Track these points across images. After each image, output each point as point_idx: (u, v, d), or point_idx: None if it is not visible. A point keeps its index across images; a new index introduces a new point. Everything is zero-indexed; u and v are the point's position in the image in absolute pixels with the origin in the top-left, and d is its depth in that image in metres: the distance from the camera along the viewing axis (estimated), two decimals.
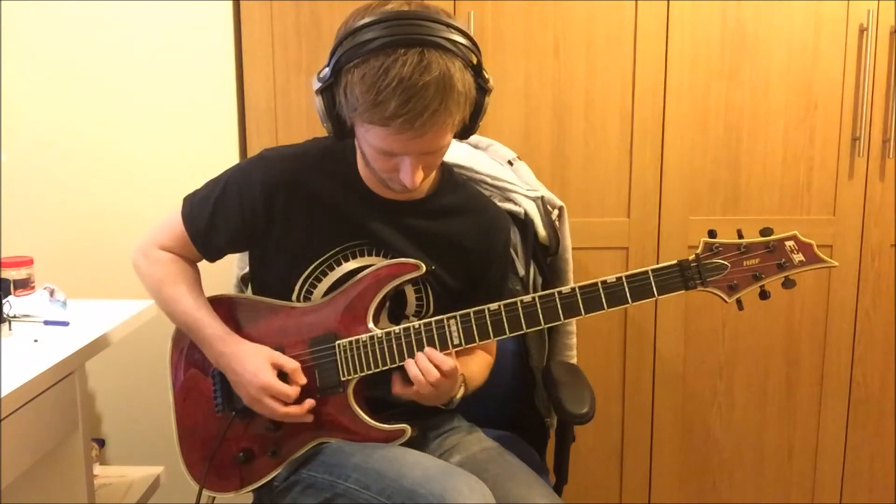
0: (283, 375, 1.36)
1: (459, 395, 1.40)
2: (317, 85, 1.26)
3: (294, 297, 1.43)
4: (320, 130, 1.35)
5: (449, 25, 1.19)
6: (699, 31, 2.06)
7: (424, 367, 1.30)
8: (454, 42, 1.19)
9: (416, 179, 1.26)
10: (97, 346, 1.61)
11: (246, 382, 1.35)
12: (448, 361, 1.30)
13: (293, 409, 1.35)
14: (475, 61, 1.23)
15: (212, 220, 1.42)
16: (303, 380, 1.36)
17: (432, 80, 1.15)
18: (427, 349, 1.32)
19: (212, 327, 1.40)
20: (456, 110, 1.21)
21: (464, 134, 1.31)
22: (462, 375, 1.39)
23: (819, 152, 2.12)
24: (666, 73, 2.08)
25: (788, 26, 2.06)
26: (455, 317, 1.32)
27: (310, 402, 1.36)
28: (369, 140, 1.25)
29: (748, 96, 2.09)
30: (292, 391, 1.34)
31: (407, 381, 1.34)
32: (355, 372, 1.36)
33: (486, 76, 1.26)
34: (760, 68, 2.08)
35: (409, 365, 1.32)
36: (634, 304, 1.29)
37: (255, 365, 1.35)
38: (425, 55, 1.16)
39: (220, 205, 1.42)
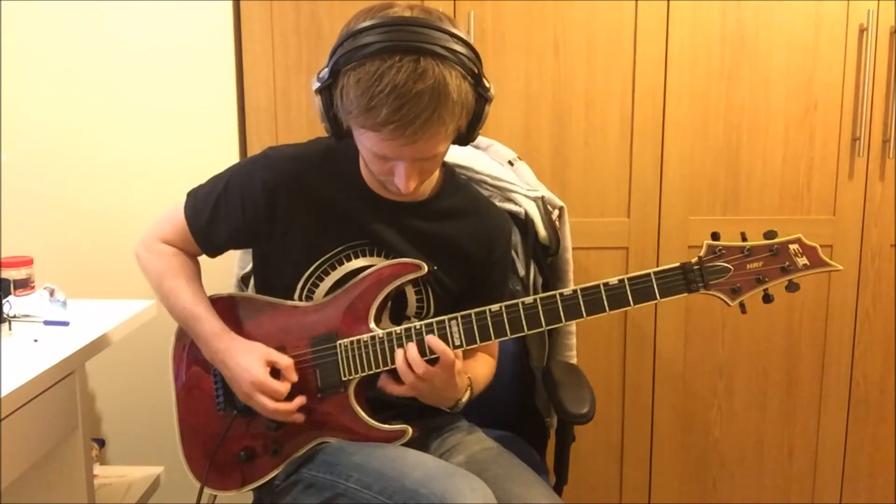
0: (278, 373, 1.36)
1: (465, 398, 1.40)
2: (316, 85, 1.26)
3: (296, 296, 1.43)
4: (321, 130, 1.35)
5: (449, 33, 1.18)
6: (699, 31, 2.06)
7: (412, 356, 1.29)
8: (452, 50, 1.18)
9: (409, 185, 1.26)
10: (97, 346, 1.61)
11: (239, 378, 1.35)
12: (447, 352, 1.28)
13: (282, 406, 1.34)
14: (475, 70, 1.22)
15: (213, 217, 1.43)
16: (294, 377, 1.36)
17: (426, 89, 1.15)
18: (427, 337, 1.30)
19: (209, 323, 1.40)
20: (450, 119, 1.20)
21: (461, 141, 1.30)
22: (468, 378, 1.39)
23: (819, 152, 2.12)
24: (666, 73, 2.08)
25: (788, 26, 2.06)
26: (456, 317, 1.31)
27: (300, 401, 1.36)
28: (364, 143, 1.25)
29: (748, 96, 2.09)
30: (282, 388, 1.34)
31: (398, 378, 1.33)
32: (356, 372, 1.36)
33: (487, 85, 1.25)
34: (760, 68, 2.08)
35: (397, 354, 1.30)
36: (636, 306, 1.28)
37: (248, 361, 1.35)
38: (421, 63, 1.15)
39: (222, 202, 1.42)
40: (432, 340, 1.30)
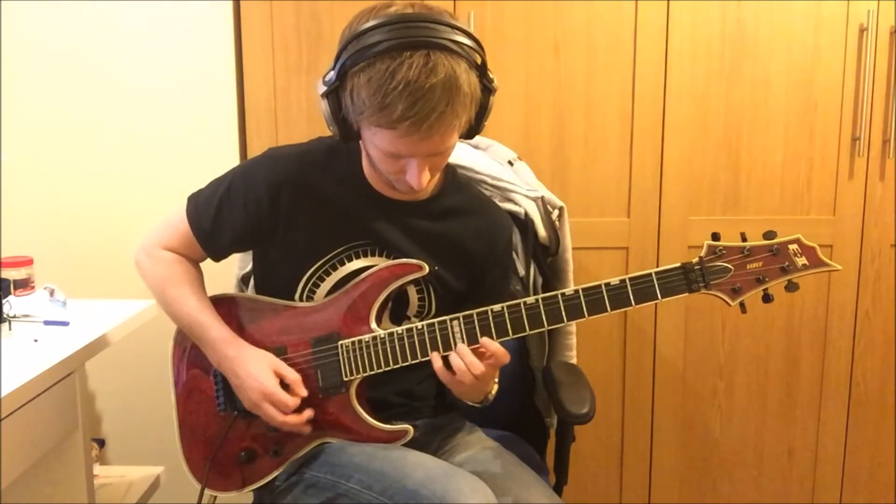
0: (285, 385, 1.36)
1: (494, 391, 1.41)
2: (322, 89, 1.26)
3: (297, 296, 1.43)
4: (321, 130, 1.35)
5: (453, 27, 1.19)
6: (699, 31, 2.06)
7: (470, 361, 1.28)
8: (459, 43, 1.19)
9: (422, 181, 1.27)
10: (97, 346, 1.60)
11: (248, 388, 1.35)
12: (505, 356, 1.28)
13: (291, 419, 1.35)
14: (480, 62, 1.23)
15: (216, 220, 1.42)
16: (303, 392, 1.36)
17: (439, 82, 1.15)
18: (483, 339, 1.29)
19: (216, 330, 1.40)
20: (462, 111, 1.21)
21: (469, 134, 1.30)
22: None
23: (819, 152, 2.12)
24: (666, 73, 2.08)
25: (788, 26, 2.06)
26: (458, 318, 1.31)
27: (308, 413, 1.36)
28: (376, 143, 1.24)
29: (748, 96, 2.09)
30: (292, 402, 1.34)
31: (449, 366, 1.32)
32: (358, 372, 1.36)
33: (491, 76, 1.26)
34: (760, 68, 2.08)
35: (453, 357, 1.29)
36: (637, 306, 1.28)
37: (259, 371, 1.35)
38: (431, 57, 1.15)
39: (225, 204, 1.42)
40: (488, 342, 1.29)
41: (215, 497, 1.48)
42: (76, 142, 2.12)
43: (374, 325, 1.37)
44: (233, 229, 1.42)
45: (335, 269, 1.41)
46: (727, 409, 2.25)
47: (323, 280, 1.41)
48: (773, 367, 2.23)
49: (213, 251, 1.47)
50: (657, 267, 1.28)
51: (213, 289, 1.49)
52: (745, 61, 2.08)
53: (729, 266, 1.27)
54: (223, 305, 1.45)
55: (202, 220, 1.44)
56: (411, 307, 1.45)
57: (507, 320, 1.31)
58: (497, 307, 1.31)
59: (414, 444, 1.38)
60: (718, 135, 2.11)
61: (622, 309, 1.28)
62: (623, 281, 1.28)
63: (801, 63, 2.08)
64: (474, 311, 1.31)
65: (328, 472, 1.35)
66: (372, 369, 1.36)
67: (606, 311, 1.28)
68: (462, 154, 1.72)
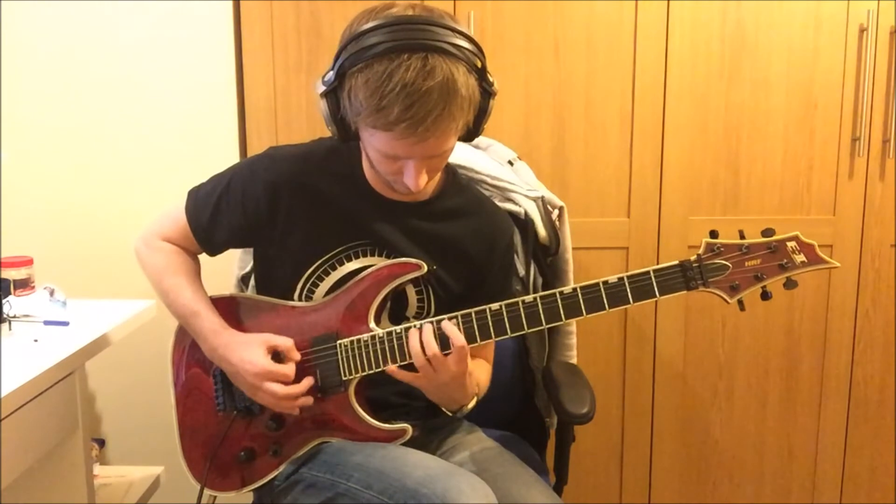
0: (280, 359, 1.36)
1: (471, 404, 1.40)
2: (321, 88, 1.26)
3: (296, 296, 1.43)
4: (321, 130, 1.35)
5: (453, 30, 1.19)
6: (699, 31, 2.06)
7: (426, 339, 1.28)
8: (458, 46, 1.19)
9: (419, 182, 1.27)
10: (97, 346, 1.61)
11: (243, 371, 1.35)
12: (459, 337, 1.28)
13: (293, 389, 1.34)
14: (479, 65, 1.23)
15: (214, 216, 1.43)
16: (297, 356, 1.36)
17: (436, 85, 1.15)
18: (443, 322, 1.29)
19: (208, 320, 1.40)
20: (459, 115, 1.21)
21: (468, 137, 1.31)
22: (476, 386, 1.40)
23: (819, 152, 2.12)
24: (666, 73, 2.08)
25: (788, 26, 2.06)
26: (456, 316, 1.31)
27: (308, 381, 1.36)
28: (374, 144, 1.25)
29: (748, 96, 2.09)
30: (289, 370, 1.34)
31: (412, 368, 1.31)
32: (356, 371, 1.36)
33: (491, 80, 1.26)
34: (760, 68, 2.08)
35: (412, 335, 1.29)
36: (636, 304, 1.28)
37: (249, 353, 1.35)
38: (429, 60, 1.15)
39: (223, 201, 1.42)
40: (447, 326, 1.29)
41: (215, 497, 1.48)
42: (76, 141, 2.13)
43: (372, 324, 1.37)
44: (229, 226, 1.43)
45: (334, 268, 1.41)
46: (727, 409, 2.25)
47: (322, 280, 1.41)
48: (773, 367, 2.23)
49: (208, 246, 1.48)
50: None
51: (213, 288, 1.50)
52: (745, 61, 2.08)
53: (727, 264, 1.27)
54: (223, 304, 1.45)
55: (200, 216, 1.44)
56: (410, 308, 1.45)
57: (506, 319, 1.30)
58: (495, 306, 1.31)
59: (413, 444, 1.38)
60: (718, 135, 2.11)
61: (620, 307, 1.28)
62: (621, 279, 1.28)
63: (801, 63, 2.08)
64: (472, 311, 1.31)
65: (327, 472, 1.35)
66: (370, 369, 1.36)
67: (605, 309, 1.28)
68: (462, 154, 1.72)
